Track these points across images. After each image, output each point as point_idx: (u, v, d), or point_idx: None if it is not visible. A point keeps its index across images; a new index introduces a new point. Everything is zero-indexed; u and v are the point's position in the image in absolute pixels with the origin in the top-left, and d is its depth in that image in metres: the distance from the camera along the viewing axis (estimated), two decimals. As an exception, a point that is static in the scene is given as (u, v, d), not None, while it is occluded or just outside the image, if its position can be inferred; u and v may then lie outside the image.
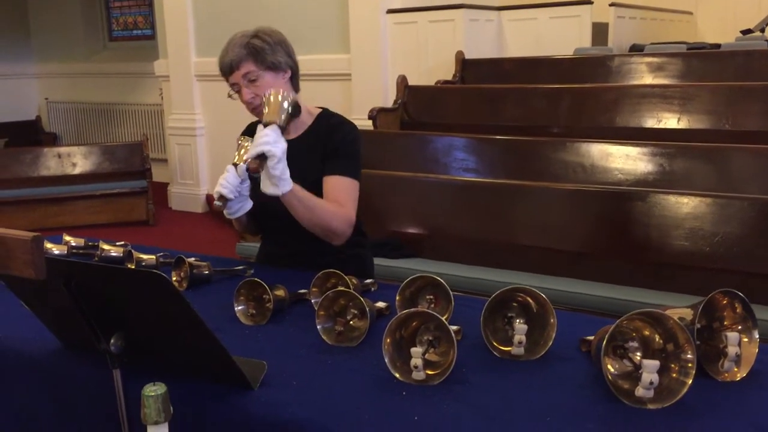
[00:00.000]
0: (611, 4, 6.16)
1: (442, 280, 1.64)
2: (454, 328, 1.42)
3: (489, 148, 4.03)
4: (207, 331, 1.21)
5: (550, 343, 1.42)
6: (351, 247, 2.11)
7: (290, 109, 1.85)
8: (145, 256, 2.09)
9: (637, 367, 1.23)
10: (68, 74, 9.65)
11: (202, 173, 7.11)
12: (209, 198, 6.94)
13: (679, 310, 1.37)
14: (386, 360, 1.34)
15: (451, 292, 1.63)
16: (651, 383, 1.17)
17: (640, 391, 1.19)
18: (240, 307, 1.69)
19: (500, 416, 1.19)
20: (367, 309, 1.54)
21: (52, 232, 2.46)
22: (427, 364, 1.34)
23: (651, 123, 4.23)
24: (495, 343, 1.45)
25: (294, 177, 1.85)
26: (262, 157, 1.77)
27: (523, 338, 1.40)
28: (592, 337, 1.40)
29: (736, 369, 1.31)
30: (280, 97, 1.85)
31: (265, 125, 1.83)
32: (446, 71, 5.56)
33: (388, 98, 5.57)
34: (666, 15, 7.23)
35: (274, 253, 2.21)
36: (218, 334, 1.23)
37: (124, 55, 9.44)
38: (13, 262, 1.07)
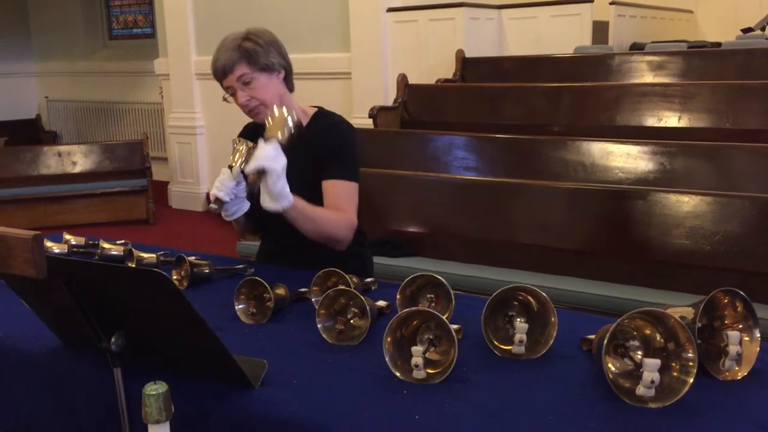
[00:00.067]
0: (612, 3, 6.15)
1: (442, 279, 1.64)
2: (454, 326, 1.42)
3: (489, 146, 4.03)
4: (208, 330, 1.21)
5: (551, 342, 1.42)
6: (350, 246, 2.11)
7: (293, 127, 1.85)
8: (145, 255, 2.08)
9: (638, 366, 1.23)
10: (68, 73, 9.65)
11: (202, 172, 7.11)
12: (209, 196, 6.92)
13: (680, 308, 1.37)
14: (387, 359, 1.34)
15: (451, 291, 1.63)
16: (652, 382, 1.17)
17: (641, 390, 1.19)
18: (240, 306, 1.69)
19: (501, 415, 1.19)
20: (368, 308, 1.54)
21: (52, 231, 2.46)
22: (428, 363, 1.34)
23: (651, 121, 4.23)
24: (496, 342, 1.45)
25: (290, 177, 1.85)
26: (261, 172, 1.77)
27: (524, 337, 1.40)
28: (593, 336, 1.40)
29: (737, 368, 1.31)
30: (285, 114, 1.84)
31: (267, 140, 1.82)
32: (446, 70, 5.55)
33: (388, 97, 5.57)
34: (666, 13, 7.23)
35: (274, 253, 2.21)
36: (219, 332, 1.23)
37: (124, 53, 9.44)
38: (14, 260, 1.07)
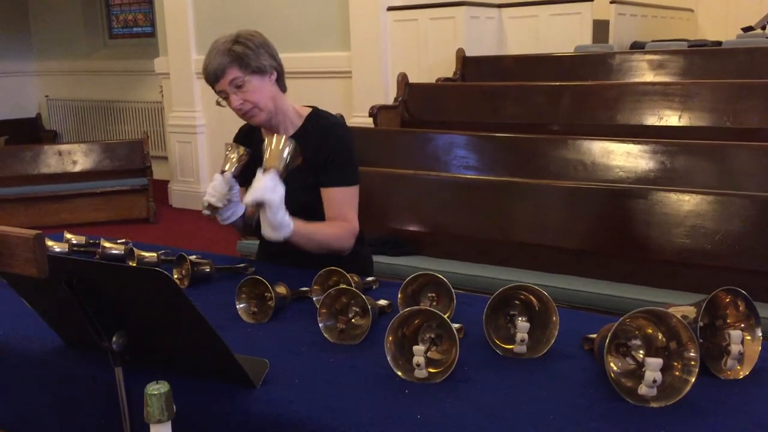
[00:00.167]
0: (612, 2, 6.15)
1: (444, 278, 1.64)
2: (456, 326, 1.42)
3: (490, 145, 4.02)
4: (209, 329, 1.21)
5: (553, 341, 1.42)
6: None
7: (289, 158, 1.85)
8: (146, 254, 2.08)
9: (640, 365, 1.23)
10: (68, 72, 9.64)
11: (203, 171, 7.11)
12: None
13: (682, 308, 1.37)
14: (388, 358, 1.34)
15: (453, 290, 1.63)
16: (654, 381, 1.17)
17: (643, 389, 1.19)
18: (242, 305, 1.69)
19: (503, 414, 1.19)
20: (369, 307, 1.54)
21: (52, 230, 2.46)
22: (430, 362, 1.33)
23: (652, 120, 4.23)
24: (497, 341, 1.45)
25: (287, 181, 1.85)
26: (260, 204, 1.78)
27: (526, 336, 1.40)
28: (594, 335, 1.40)
29: (739, 367, 1.31)
30: (281, 145, 1.84)
31: (264, 170, 1.82)
32: (447, 68, 5.55)
33: (388, 96, 5.57)
34: (667, 12, 7.23)
35: (274, 252, 2.21)
36: (220, 332, 1.22)
37: (124, 52, 9.44)
38: (15, 260, 1.07)
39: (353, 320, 1.56)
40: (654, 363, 1.17)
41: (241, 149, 1.99)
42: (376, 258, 2.33)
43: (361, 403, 1.24)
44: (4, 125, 9.06)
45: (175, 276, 1.96)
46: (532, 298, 1.46)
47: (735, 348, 1.28)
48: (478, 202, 3.42)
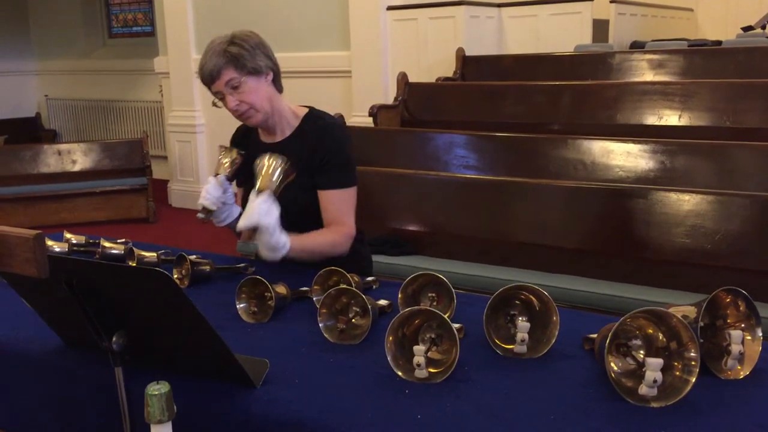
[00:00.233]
0: (612, 1, 6.15)
1: (444, 278, 1.64)
2: (456, 326, 1.42)
3: (489, 145, 4.02)
4: (209, 329, 1.20)
5: (553, 341, 1.42)
6: None
7: (282, 177, 1.85)
8: (146, 254, 2.08)
9: (641, 365, 1.23)
10: (68, 71, 9.64)
11: (202, 170, 7.10)
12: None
13: (683, 308, 1.36)
14: (389, 358, 1.34)
15: (453, 290, 1.63)
16: (654, 381, 1.17)
17: (643, 389, 1.19)
18: (242, 305, 1.69)
19: (503, 414, 1.19)
20: (370, 307, 1.54)
21: (52, 230, 2.46)
22: (430, 362, 1.33)
23: (652, 120, 4.23)
24: (498, 341, 1.45)
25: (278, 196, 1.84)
26: (255, 228, 1.78)
27: (526, 336, 1.40)
28: (595, 335, 1.40)
29: (739, 367, 1.31)
30: (272, 167, 1.85)
31: (258, 192, 1.82)
32: (446, 68, 5.55)
33: (388, 95, 5.57)
34: (667, 12, 7.23)
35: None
36: (220, 332, 1.22)
37: (123, 52, 9.43)
38: (15, 260, 1.07)
39: (353, 320, 1.56)
40: (654, 363, 1.17)
41: (234, 152, 2.00)
42: (375, 258, 2.33)
43: (361, 403, 1.24)
44: (4, 124, 9.05)
45: (175, 276, 1.95)
46: (533, 298, 1.46)
47: (735, 348, 1.28)
48: (478, 202, 3.41)
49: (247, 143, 2.17)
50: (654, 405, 1.19)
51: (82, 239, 2.26)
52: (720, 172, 3.34)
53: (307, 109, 2.16)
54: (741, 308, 1.35)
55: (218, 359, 1.28)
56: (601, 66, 5.06)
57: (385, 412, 1.21)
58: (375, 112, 5.00)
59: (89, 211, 6.50)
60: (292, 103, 2.17)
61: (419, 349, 1.31)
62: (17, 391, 1.57)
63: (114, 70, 9.24)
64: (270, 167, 1.84)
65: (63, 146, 6.97)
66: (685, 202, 2.91)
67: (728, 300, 1.36)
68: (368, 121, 5.05)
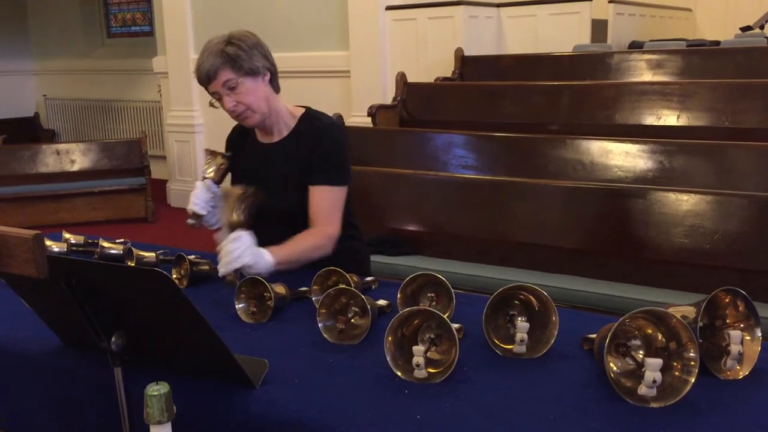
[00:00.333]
0: (610, 1, 6.15)
1: (443, 278, 1.64)
2: (455, 326, 1.42)
3: (488, 145, 4.02)
4: (208, 329, 1.20)
5: (552, 341, 1.42)
6: (343, 240, 2.09)
7: (248, 206, 1.88)
8: (145, 254, 2.08)
9: (640, 366, 1.23)
10: (67, 71, 9.63)
11: (201, 170, 7.08)
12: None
13: (682, 308, 1.37)
14: (388, 358, 1.34)
15: (452, 290, 1.63)
16: (654, 381, 1.17)
17: (642, 390, 1.19)
18: (241, 305, 1.69)
19: (502, 414, 1.19)
20: (369, 307, 1.54)
21: (50, 229, 2.46)
22: (429, 362, 1.33)
23: (650, 120, 4.23)
24: (497, 341, 1.45)
25: (276, 182, 1.84)
26: (236, 270, 1.79)
27: (525, 336, 1.40)
28: (594, 336, 1.40)
29: (738, 367, 1.31)
30: (236, 199, 1.88)
31: (232, 227, 1.85)
32: (445, 68, 5.55)
33: (387, 95, 5.57)
34: (665, 12, 7.23)
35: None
36: (219, 332, 1.22)
37: (122, 51, 9.42)
38: (14, 260, 1.07)
39: (353, 320, 1.56)
40: (654, 363, 1.17)
41: (219, 157, 2.01)
42: (375, 258, 2.33)
43: (361, 404, 1.24)
44: (2, 124, 9.04)
45: (174, 276, 1.95)
46: (532, 298, 1.46)
47: (734, 348, 1.28)
48: (477, 202, 3.41)
49: (244, 143, 2.17)
50: (653, 405, 1.19)
51: (80, 239, 2.26)
52: (718, 172, 3.35)
53: (303, 109, 2.16)
54: (740, 308, 1.35)
55: (217, 359, 1.28)
56: (599, 66, 5.06)
57: (385, 412, 1.20)
58: (374, 112, 5.00)
59: (88, 211, 6.49)
60: (291, 103, 2.16)
61: (418, 349, 1.31)
62: (16, 392, 1.57)
63: (113, 70, 9.24)
64: (233, 201, 1.89)
65: (61, 146, 6.96)
66: (684, 202, 2.91)
67: (727, 300, 1.36)
68: (367, 121, 5.05)
